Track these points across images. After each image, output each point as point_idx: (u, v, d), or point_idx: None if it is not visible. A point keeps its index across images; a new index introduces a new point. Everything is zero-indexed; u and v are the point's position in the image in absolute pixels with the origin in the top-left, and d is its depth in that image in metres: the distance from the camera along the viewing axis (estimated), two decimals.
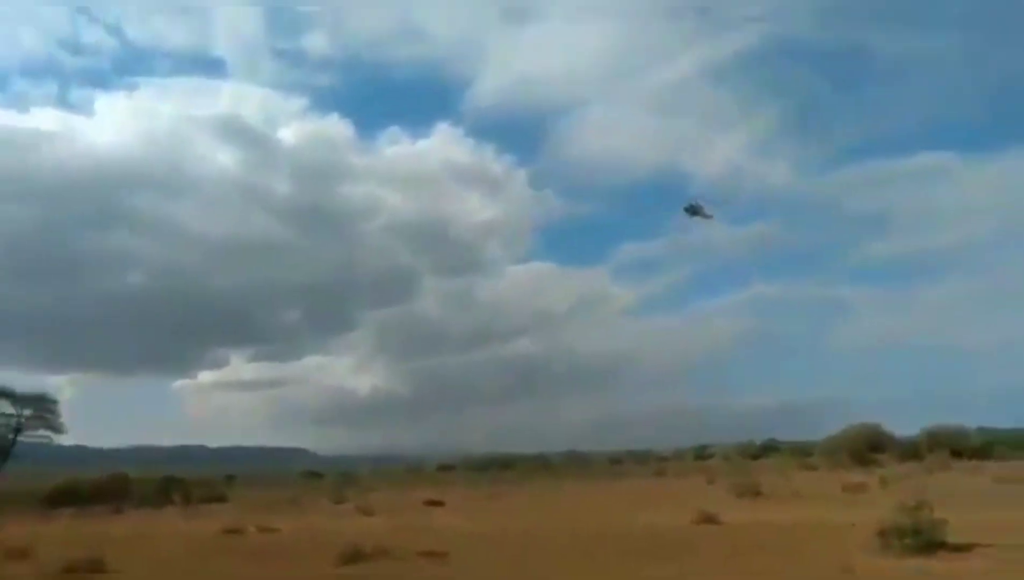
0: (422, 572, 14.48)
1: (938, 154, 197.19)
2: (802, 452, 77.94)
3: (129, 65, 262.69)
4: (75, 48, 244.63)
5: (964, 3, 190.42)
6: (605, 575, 13.04)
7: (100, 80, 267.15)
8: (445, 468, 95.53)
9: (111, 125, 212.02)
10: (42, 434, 49.44)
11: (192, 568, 16.01)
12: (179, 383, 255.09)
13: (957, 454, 50.68)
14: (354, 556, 16.50)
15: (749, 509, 23.53)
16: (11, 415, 47.62)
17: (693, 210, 33.02)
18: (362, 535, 18.94)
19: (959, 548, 13.93)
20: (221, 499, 45.82)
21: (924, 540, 14.36)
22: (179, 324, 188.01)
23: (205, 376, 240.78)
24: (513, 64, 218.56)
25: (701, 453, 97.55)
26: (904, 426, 62.76)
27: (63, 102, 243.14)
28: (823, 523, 18.47)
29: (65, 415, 50.28)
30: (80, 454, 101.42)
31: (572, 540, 17.99)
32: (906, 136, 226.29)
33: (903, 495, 22.74)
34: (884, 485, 30.45)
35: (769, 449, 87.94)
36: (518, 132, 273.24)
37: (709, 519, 20.28)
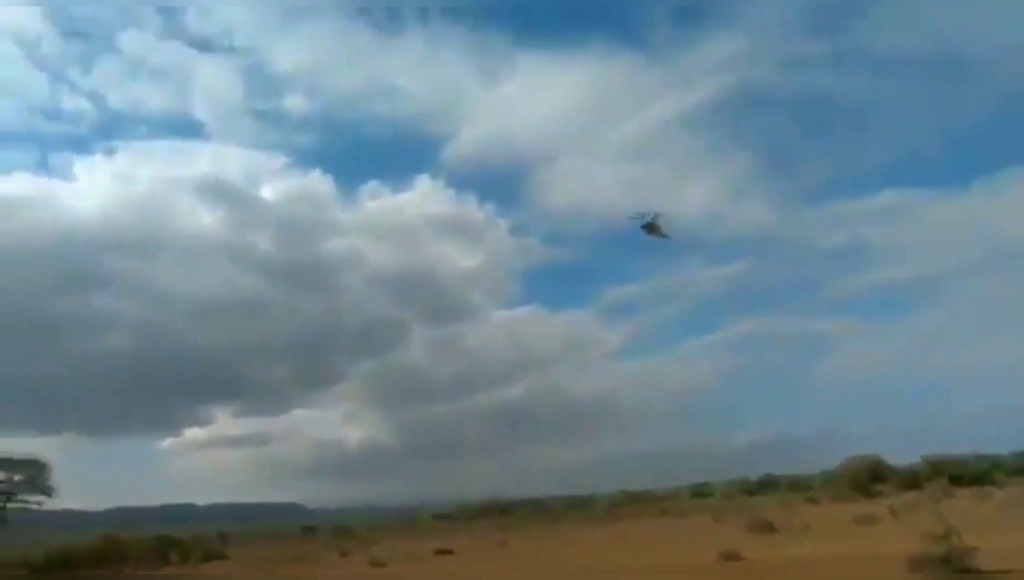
0: None
1: (903, 191, 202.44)
2: (799, 486, 77.90)
3: (108, 130, 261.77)
4: (54, 115, 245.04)
5: (922, 47, 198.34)
6: None
7: (79, 145, 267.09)
8: (442, 517, 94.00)
9: (90, 189, 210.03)
10: (33, 498, 48.28)
11: None
12: (165, 442, 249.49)
13: (956, 481, 50.85)
14: None
15: (768, 545, 23.49)
16: (1, 481, 46.58)
17: (650, 228, 31.93)
18: None
19: (992, 573, 14.09)
20: (220, 556, 44.77)
21: (957, 567, 14.54)
22: (163, 383, 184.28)
23: (192, 433, 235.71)
24: (490, 118, 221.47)
25: (698, 491, 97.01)
26: (897, 455, 63.00)
27: (42, 167, 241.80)
28: (848, 556, 18.55)
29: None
30: (65, 518, 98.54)
31: None
32: (872, 175, 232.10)
33: (917, 525, 22.91)
34: (895, 515, 30.54)
35: (766, 485, 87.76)
36: (498, 183, 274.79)
37: (732, 556, 20.27)
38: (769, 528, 29.02)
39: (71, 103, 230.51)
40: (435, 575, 22.52)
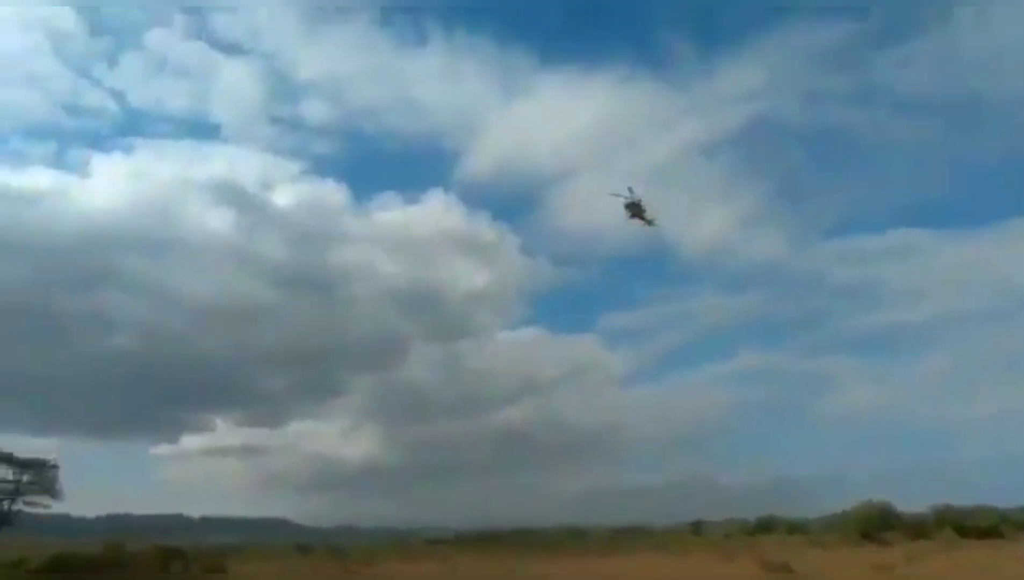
0: None
1: (913, 231, 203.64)
2: (798, 528, 77.13)
3: (127, 127, 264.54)
4: (75, 110, 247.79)
5: (942, 89, 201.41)
6: None
7: (98, 141, 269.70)
8: (436, 542, 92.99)
9: (105, 185, 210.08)
10: (41, 500, 47.67)
11: None
12: (161, 448, 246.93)
13: (962, 532, 50.48)
14: None
15: None
16: (9, 480, 46.04)
17: (634, 209, 30.34)
18: None
19: None
20: (221, 570, 44.28)
21: None
22: (163, 387, 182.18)
23: (188, 441, 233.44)
24: (507, 135, 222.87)
25: (696, 529, 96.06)
26: (899, 501, 62.32)
27: (59, 162, 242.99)
28: None
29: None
30: (58, 523, 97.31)
31: None
32: (884, 213, 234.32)
33: (937, 575, 22.81)
34: (910, 563, 30.35)
35: (766, 525, 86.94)
36: (511, 201, 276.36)
37: None
38: (786, 569, 28.81)
39: (93, 99, 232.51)
40: None
